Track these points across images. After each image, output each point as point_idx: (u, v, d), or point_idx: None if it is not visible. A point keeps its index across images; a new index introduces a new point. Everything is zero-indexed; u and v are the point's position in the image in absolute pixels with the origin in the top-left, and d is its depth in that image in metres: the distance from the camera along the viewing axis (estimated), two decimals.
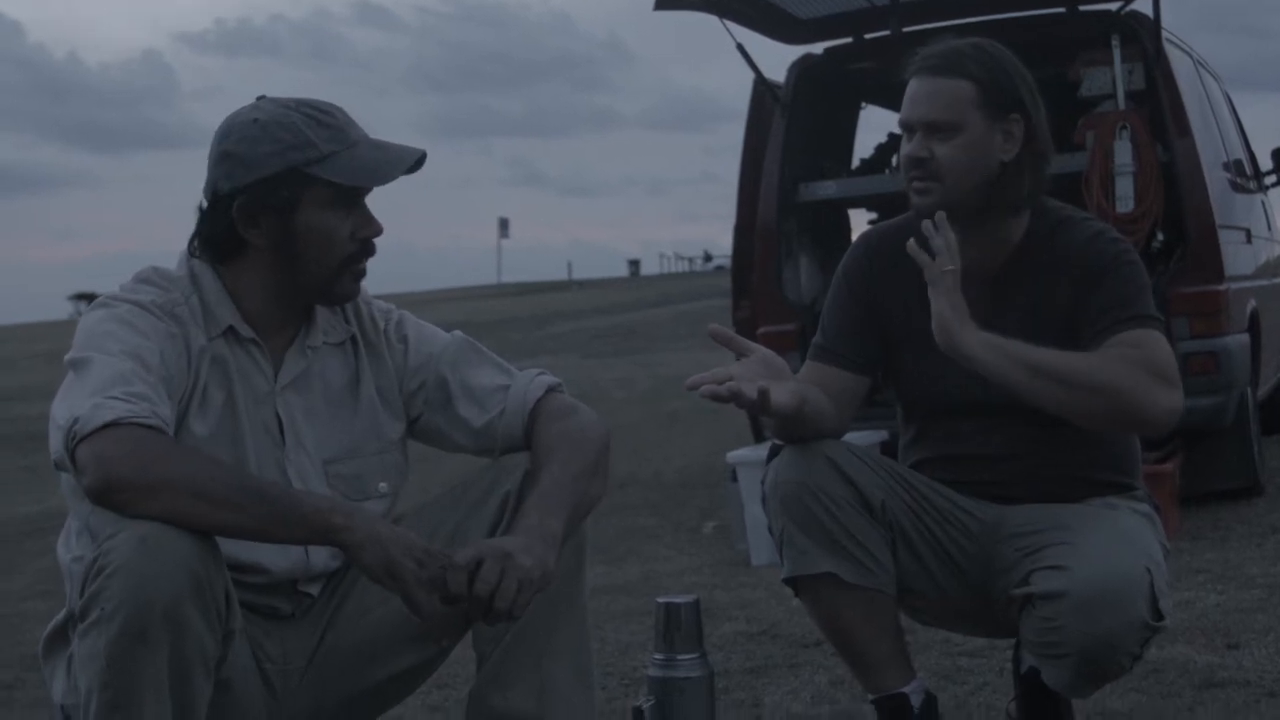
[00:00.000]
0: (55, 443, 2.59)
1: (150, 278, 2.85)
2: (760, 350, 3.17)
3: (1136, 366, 3.11)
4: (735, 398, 3.00)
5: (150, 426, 2.56)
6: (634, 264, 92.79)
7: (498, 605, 2.59)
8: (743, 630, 5.19)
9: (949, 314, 3.12)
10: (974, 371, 3.18)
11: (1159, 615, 3.05)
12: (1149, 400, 3.11)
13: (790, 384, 3.12)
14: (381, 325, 3.04)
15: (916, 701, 3.26)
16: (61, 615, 2.80)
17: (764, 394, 2.99)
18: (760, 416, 3.13)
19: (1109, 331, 3.16)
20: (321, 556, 2.86)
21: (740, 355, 3.16)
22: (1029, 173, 3.28)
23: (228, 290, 2.87)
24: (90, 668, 2.47)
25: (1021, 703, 3.38)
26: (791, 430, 3.23)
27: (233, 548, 2.65)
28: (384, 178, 2.84)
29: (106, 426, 2.52)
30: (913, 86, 3.29)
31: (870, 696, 3.31)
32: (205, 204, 2.86)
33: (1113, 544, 3.07)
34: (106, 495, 2.51)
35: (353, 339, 3.00)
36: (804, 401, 3.13)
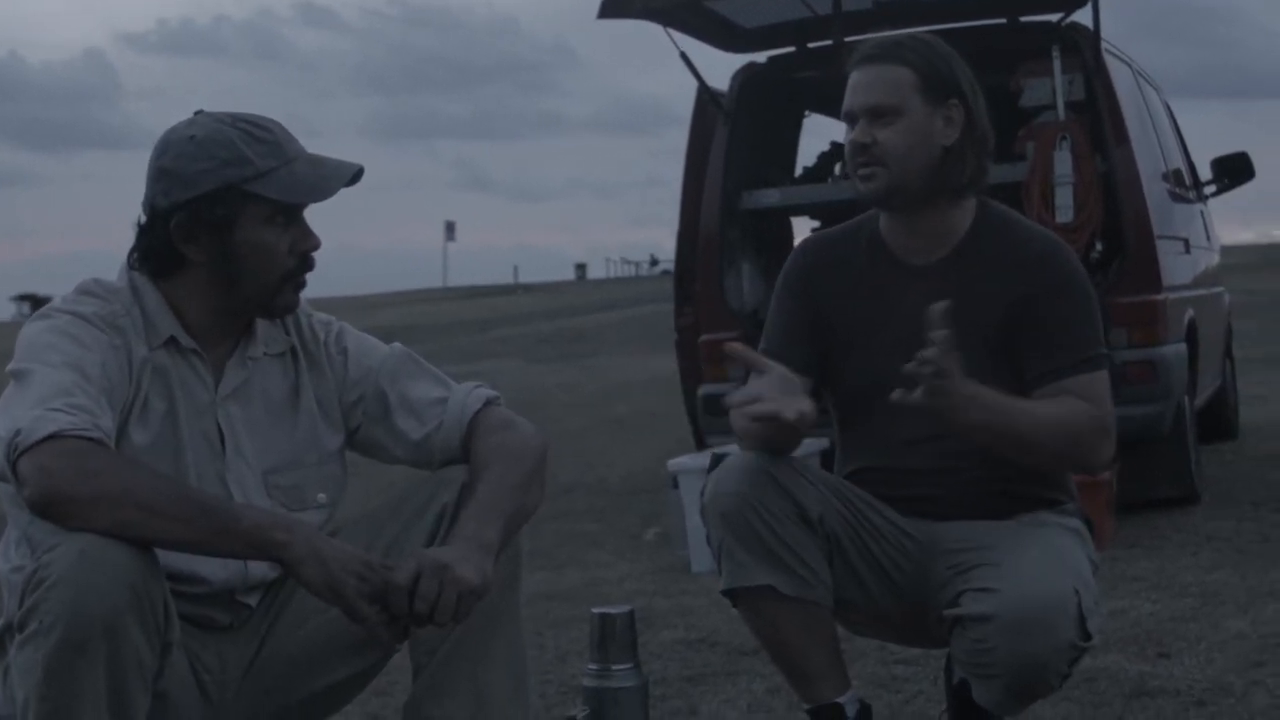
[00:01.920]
0: None
1: (91, 289, 2.86)
2: (777, 368, 3.19)
3: (1088, 429, 3.23)
4: (774, 417, 3.04)
5: (92, 439, 2.57)
6: (580, 268, 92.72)
7: (438, 619, 2.62)
8: (681, 638, 5.22)
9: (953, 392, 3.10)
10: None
11: (1087, 635, 3.10)
12: (1094, 458, 3.28)
13: (803, 398, 3.15)
14: (321, 337, 3.05)
15: (851, 712, 3.29)
16: None
17: (802, 416, 3.05)
18: (784, 433, 3.15)
19: (1061, 374, 3.24)
20: (260, 567, 2.87)
21: (759, 373, 3.17)
22: (971, 158, 3.34)
23: (168, 303, 2.88)
24: (28, 679, 2.49)
25: (953, 714, 3.41)
26: (786, 442, 3.25)
27: (171, 558, 2.66)
28: (322, 194, 2.86)
29: (49, 439, 2.54)
30: (854, 78, 3.36)
31: (806, 706, 3.34)
32: (143, 219, 2.87)
33: (1041, 565, 3.11)
34: (48, 507, 2.53)
35: (293, 350, 3.02)
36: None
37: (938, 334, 3.00)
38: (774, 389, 3.12)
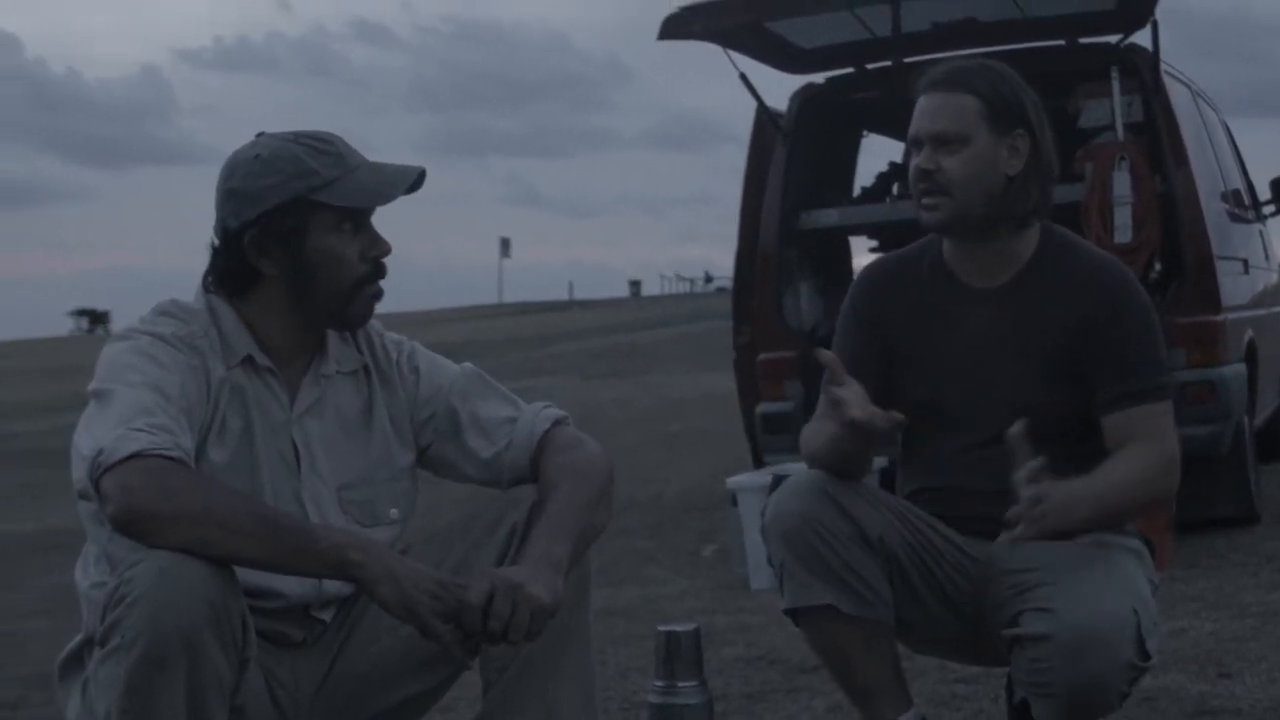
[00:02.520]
0: (79, 472, 2.66)
1: (170, 310, 2.92)
2: (854, 384, 3.21)
3: (1162, 473, 3.29)
4: (865, 424, 3.11)
5: (173, 458, 2.62)
6: (635, 284, 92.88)
7: (511, 637, 2.66)
8: (742, 655, 5.24)
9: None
10: (976, 396, 3.28)
11: (1146, 655, 3.11)
12: (1169, 494, 3.35)
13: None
14: (394, 356, 3.10)
15: None
16: (78, 639, 2.86)
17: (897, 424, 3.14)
18: (853, 447, 3.21)
19: (1127, 403, 3.28)
20: (334, 584, 2.90)
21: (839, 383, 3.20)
22: (1035, 188, 3.35)
23: (244, 322, 2.93)
24: (109, 693, 2.54)
25: None
26: (858, 466, 3.33)
27: (248, 574, 2.70)
28: (386, 197, 2.92)
29: (131, 457, 2.58)
30: (921, 103, 3.37)
31: None
32: (216, 242, 2.93)
33: (1100, 585, 3.12)
34: (130, 525, 2.58)
35: (366, 369, 3.06)
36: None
37: (1028, 469, 3.07)
38: (861, 399, 3.15)
